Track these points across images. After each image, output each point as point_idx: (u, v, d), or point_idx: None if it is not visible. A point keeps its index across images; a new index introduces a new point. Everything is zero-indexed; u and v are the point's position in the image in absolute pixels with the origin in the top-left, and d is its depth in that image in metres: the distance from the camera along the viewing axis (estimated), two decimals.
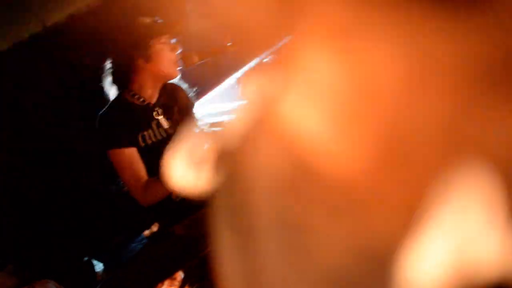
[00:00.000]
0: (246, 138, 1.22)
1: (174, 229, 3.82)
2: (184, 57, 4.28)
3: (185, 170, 3.55)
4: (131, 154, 4.08)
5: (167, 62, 4.13)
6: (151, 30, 4.11)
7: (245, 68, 5.96)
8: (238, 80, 5.75)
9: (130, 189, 4.15)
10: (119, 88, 4.23)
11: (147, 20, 4.14)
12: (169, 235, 3.77)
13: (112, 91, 4.27)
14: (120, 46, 4.13)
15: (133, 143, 4.09)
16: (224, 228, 1.36)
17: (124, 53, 4.13)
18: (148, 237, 4.43)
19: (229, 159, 1.26)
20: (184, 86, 4.51)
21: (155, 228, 4.34)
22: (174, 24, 4.22)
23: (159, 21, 4.20)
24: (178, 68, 4.22)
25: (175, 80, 4.39)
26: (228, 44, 4.60)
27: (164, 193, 4.09)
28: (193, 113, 4.50)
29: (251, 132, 1.23)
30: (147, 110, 4.20)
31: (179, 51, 4.22)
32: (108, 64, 4.21)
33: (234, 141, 1.26)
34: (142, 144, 4.11)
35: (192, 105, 4.52)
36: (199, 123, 4.54)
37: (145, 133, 4.15)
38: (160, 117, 4.24)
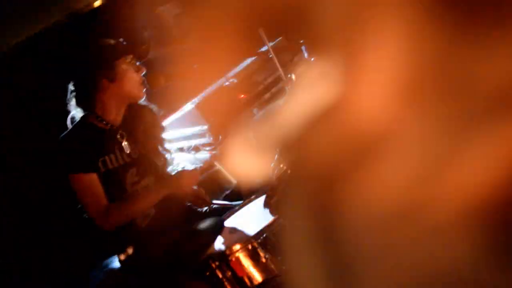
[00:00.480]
0: (311, 127, 1.38)
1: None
2: (150, 79, 4.34)
3: (248, 158, 3.65)
4: (91, 180, 4.06)
5: (132, 83, 4.15)
6: (115, 50, 4.14)
7: (207, 91, 6.06)
8: (197, 105, 5.70)
9: (90, 213, 4.11)
10: (83, 111, 4.21)
11: (111, 41, 4.19)
12: None
13: (76, 114, 4.23)
14: (83, 66, 4.17)
15: (93, 168, 4.07)
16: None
17: (87, 73, 4.13)
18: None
19: (293, 147, 1.42)
20: (153, 106, 4.49)
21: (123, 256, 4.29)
22: (139, 46, 4.43)
23: (123, 42, 4.22)
24: (144, 90, 4.25)
25: (143, 101, 4.38)
26: (195, 66, 4.73)
27: (129, 216, 4.13)
28: (160, 135, 4.50)
29: (316, 121, 1.36)
30: (110, 133, 4.20)
31: (144, 72, 4.24)
32: (71, 86, 4.22)
33: (296, 130, 1.43)
34: (103, 169, 4.10)
35: (160, 127, 4.53)
36: (167, 145, 4.57)
37: (107, 157, 4.13)
38: (123, 141, 4.24)
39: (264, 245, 3.48)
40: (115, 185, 4.15)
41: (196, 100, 5.88)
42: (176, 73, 4.85)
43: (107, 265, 5.83)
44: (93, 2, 5.75)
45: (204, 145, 5.70)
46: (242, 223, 3.36)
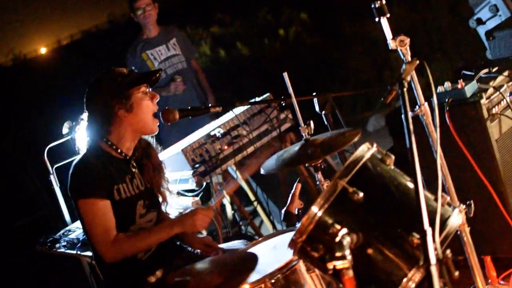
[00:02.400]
0: None
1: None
2: (165, 113, 4.24)
3: None
4: (105, 206, 3.98)
5: (148, 113, 4.13)
6: (130, 79, 4.11)
7: (194, 136, 6.08)
8: (183, 151, 5.72)
9: (96, 242, 4.00)
10: (95, 137, 4.15)
11: (124, 70, 4.15)
12: None
13: (84, 140, 4.16)
14: (100, 95, 4.11)
15: (107, 195, 4.00)
16: None
17: (104, 103, 4.08)
18: None
19: None
20: (153, 143, 4.43)
21: None
22: (152, 74, 4.23)
23: (135, 71, 4.14)
24: (157, 123, 4.21)
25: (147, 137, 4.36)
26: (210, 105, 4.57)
27: (136, 250, 4.05)
28: (164, 174, 4.42)
29: None
30: (124, 163, 4.17)
31: (158, 100, 4.22)
32: (84, 115, 4.16)
33: None
34: (117, 198, 4.05)
35: (162, 165, 4.45)
36: (170, 185, 4.50)
37: (121, 186, 4.07)
38: (135, 171, 4.21)
39: (276, 286, 3.44)
40: (126, 215, 4.10)
41: (182, 144, 5.90)
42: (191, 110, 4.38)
43: None
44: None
45: (187, 190, 5.68)
46: (260, 257, 3.32)
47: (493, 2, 6.27)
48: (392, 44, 3.68)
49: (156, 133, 4.27)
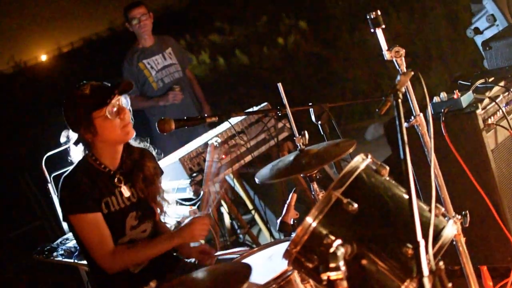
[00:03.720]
0: None
1: None
2: (161, 123, 4.24)
3: None
4: (97, 219, 4.00)
5: (114, 130, 4.04)
6: (90, 105, 4.01)
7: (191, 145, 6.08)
8: (180, 160, 5.72)
9: (95, 255, 4.03)
10: (84, 151, 4.16)
11: (87, 89, 4.03)
12: None
13: (77, 152, 4.16)
14: (67, 121, 4.11)
15: (97, 208, 4.02)
16: None
17: (72, 128, 4.11)
18: None
19: None
20: (153, 152, 4.44)
21: None
22: (118, 86, 4.07)
23: (101, 86, 4.08)
24: (130, 130, 4.11)
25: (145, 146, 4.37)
26: (206, 115, 4.53)
27: (135, 262, 4.10)
28: (159, 183, 4.40)
29: None
30: (108, 177, 4.16)
31: (127, 114, 4.11)
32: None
33: None
34: (105, 211, 4.06)
35: (159, 174, 4.43)
36: (167, 195, 4.47)
37: (109, 199, 4.09)
38: (122, 185, 4.18)
39: None
40: (115, 228, 4.10)
41: (179, 153, 5.91)
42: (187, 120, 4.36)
43: None
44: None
45: (184, 199, 5.69)
46: (256, 267, 3.32)
47: (491, 12, 6.30)
48: (387, 55, 3.70)
49: (133, 136, 4.19)
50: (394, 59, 3.69)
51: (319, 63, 13.00)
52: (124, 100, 4.14)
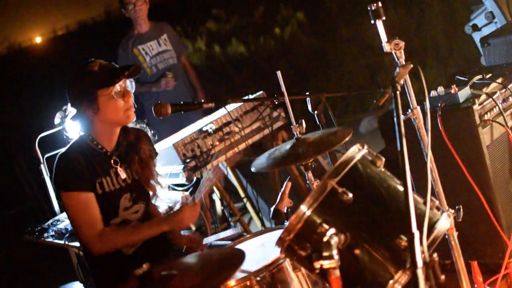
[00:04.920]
0: None
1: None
2: (158, 107, 4.21)
3: None
4: (88, 199, 4.01)
5: (117, 111, 4.04)
6: (97, 80, 4.02)
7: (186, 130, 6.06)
8: (175, 145, 5.72)
9: (82, 235, 4.04)
10: (82, 130, 4.17)
11: (96, 66, 4.05)
12: None
13: (74, 131, 4.21)
14: (70, 95, 4.11)
15: (90, 187, 4.03)
16: None
17: (74, 103, 4.09)
18: None
19: None
20: (149, 133, 4.44)
21: None
22: (127, 71, 4.09)
23: (110, 66, 4.11)
24: (131, 113, 4.12)
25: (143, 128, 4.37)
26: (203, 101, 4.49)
27: (121, 244, 4.09)
28: (154, 166, 4.39)
29: None
30: (105, 157, 4.15)
31: (132, 96, 4.12)
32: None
33: None
34: (100, 191, 4.07)
35: (154, 156, 4.42)
36: (160, 178, 4.46)
37: (103, 179, 4.09)
38: (117, 167, 4.18)
39: (261, 283, 3.44)
40: (109, 209, 4.10)
41: (174, 139, 5.90)
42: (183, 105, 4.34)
43: None
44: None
45: (176, 184, 5.68)
46: (248, 254, 3.32)
47: (489, 9, 6.30)
48: (387, 47, 3.69)
49: (133, 120, 4.20)
50: (393, 52, 3.68)
51: (316, 54, 12.98)
52: (129, 84, 4.14)
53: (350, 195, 2.97)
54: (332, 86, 11.83)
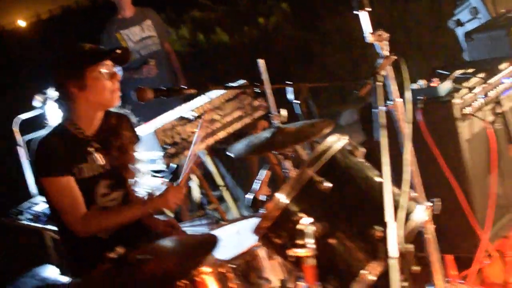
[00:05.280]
0: None
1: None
2: (139, 91, 4.09)
3: None
4: (69, 183, 3.98)
5: (104, 91, 4.01)
6: (86, 57, 4.01)
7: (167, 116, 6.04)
8: (156, 131, 5.72)
9: (67, 219, 4.02)
10: (62, 115, 4.14)
11: (86, 46, 4.06)
12: None
13: (54, 115, 4.18)
14: (56, 72, 4.07)
15: (69, 172, 3.99)
16: None
17: (59, 80, 4.05)
18: None
19: None
20: (133, 118, 4.46)
21: None
22: (117, 52, 4.10)
23: (99, 48, 4.11)
24: (117, 96, 4.10)
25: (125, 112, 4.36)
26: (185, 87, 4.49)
27: (106, 226, 4.07)
28: (133, 152, 4.38)
29: None
30: (84, 143, 4.11)
31: (119, 79, 4.10)
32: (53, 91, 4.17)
33: None
34: (79, 177, 4.04)
35: (135, 142, 4.41)
36: (140, 164, 4.51)
37: (82, 165, 4.06)
38: (96, 153, 4.13)
39: (235, 271, 3.43)
40: (86, 195, 4.07)
41: (154, 125, 5.88)
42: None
43: (38, 273, 5.73)
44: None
45: (155, 171, 5.67)
46: (223, 241, 3.31)
47: (474, 4, 6.32)
48: (370, 38, 3.66)
49: (118, 104, 4.17)
50: (376, 43, 3.66)
51: (299, 45, 12.95)
52: (117, 68, 4.13)
53: (328, 184, 2.98)
54: (314, 77, 11.80)
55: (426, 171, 3.95)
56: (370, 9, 3.63)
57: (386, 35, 3.62)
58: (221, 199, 7.25)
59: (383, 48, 3.61)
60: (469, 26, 6.37)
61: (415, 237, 3.11)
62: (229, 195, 6.88)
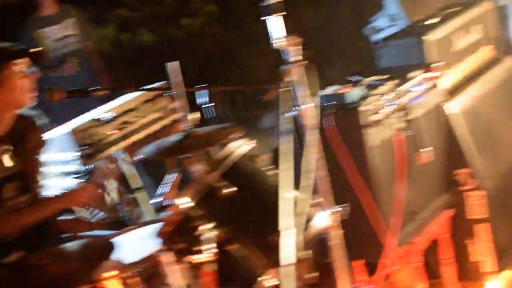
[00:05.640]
0: None
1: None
2: (52, 92, 4.08)
3: None
4: None
5: (16, 90, 3.92)
6: (3, 54, 3.91)
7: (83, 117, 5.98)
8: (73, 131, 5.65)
9: None
10: None
11: (4, 44, 3.97)
12: None
13: None
14: None
15: None
16: None
17: None
18: None
19: None
20: (42, 122, 4.34)
21: None
22: (34, 52, 4.01)
23: (15, 46, 3.99)
24: (30, 97, 4.01)
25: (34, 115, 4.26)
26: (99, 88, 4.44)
27: (13, 227, 3.89)
28: (40, 155, 4.29)
29: None
30: None
31: (35, 79, 4.01)
32: None
33: None
34: None
35: (41, 146, 4.31)
36: (46, 168, 4.40)
37: None
38: (4, 154, 4.02)
39: (139, 276, 3.41)
40: None
41: (70, 125, 5.80)
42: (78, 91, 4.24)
43: None
44: None
45: (71, 172, 5.61)
46: (125, 246, 3.29)
47: (391, 12, 6.39)
48: (280, 43, 3.65)
49: (33, 105, 4.08)
50: (285, 48, 3.65)
51: (223, 48, 12.95)
52: (33, 68, 4.03)
53: (230, 190, 2.98)
54: (236, 80, 11.80)
55: (336, 177, 3.98)
56: (284, 13, 3.62)
57: (298, 40, 3.62)
58: (136, 201, 7.21)
59: (295, 54, 3.61)
60: (386, 33, 6.44)
61: (321, 243, 3.13)
62: (145, 198, 6.84)
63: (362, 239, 4.68)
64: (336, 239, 3.74)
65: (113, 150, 5.95)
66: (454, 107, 5.29)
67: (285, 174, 2.65)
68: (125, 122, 5.98)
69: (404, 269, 4.80)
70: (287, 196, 2.58)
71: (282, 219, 2.52)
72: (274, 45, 3.65)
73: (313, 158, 3.29)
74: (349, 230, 3.82)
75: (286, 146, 2.74)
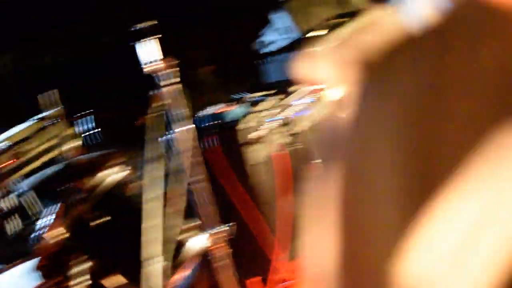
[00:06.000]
0: None
1: None
2: None
3: None
4: None
5: None
6: None
7: None
8: None
9: None
10: None
11: None
12: None
13: None
14: None
15: None
16: None
17: None
18: None
19: None
20: None
21: None
22: None
23: None
24: None
25: None
26: None
27: None
28: None
29: None
30: None
31: None
32: None
33: None
34: None
35: None
36: None
37: None
38: None
39: None
40: None
41: None
42: None
43: None
44: None
45: None
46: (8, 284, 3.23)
47: (280, 25, 6.42)
48: (153, 67, 3.59)
49: None
50: (159, 73, 3.60)
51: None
52: None
53: (102, 219, 2.97)
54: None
55: (223, 197, 3.99)
56: (160, 35, 3.57)
57: (173, 62, 3.57)
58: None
59: (167, 77, 3.58)
60: (274, 46, 6.47)
61: (205, 265, 3.13)
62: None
63: (255, 256, 4.68)
64: (222, 259, 3.75)
65: (9, 181, 5.87)
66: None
67: (151, 202, 2.64)
68: (19, 152, 5.90)
69: (298, 283, 4.82)
70: (152, 223, 2.58)
71: (146, 248, 2.51)
72: (145, 70, 3.59)
73: (185, 181, 3.29)
74: (240, 249, 3.83)
75: (155, 172, 2.73)
